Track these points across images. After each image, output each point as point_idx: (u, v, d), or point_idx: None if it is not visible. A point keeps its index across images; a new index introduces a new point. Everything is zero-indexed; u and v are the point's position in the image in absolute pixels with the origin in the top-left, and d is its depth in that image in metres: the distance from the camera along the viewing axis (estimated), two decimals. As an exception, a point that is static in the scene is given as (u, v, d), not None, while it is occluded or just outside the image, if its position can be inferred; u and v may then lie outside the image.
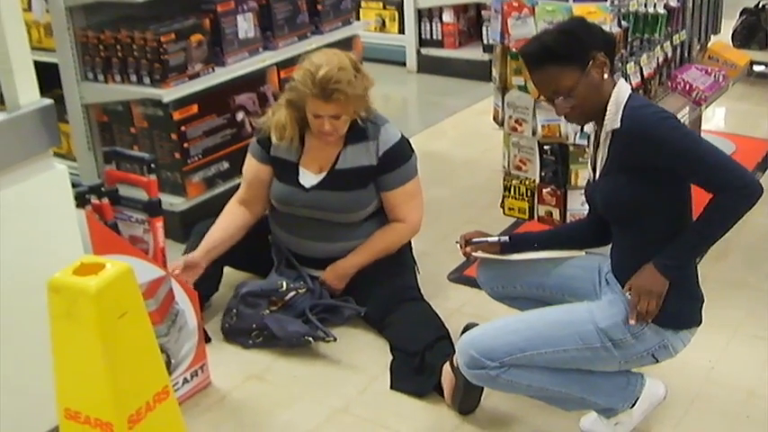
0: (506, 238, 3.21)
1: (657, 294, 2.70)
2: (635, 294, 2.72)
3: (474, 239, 3.19)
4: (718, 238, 2.71)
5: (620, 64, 3.94)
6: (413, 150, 3.78)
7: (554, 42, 2.76)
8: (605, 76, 2.76)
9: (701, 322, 2.86)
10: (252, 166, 3.82)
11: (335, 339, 3.49)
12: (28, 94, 2.66)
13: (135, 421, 2.18)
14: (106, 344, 2.09)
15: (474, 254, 3.19)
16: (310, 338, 3.50)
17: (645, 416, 3.00)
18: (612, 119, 2.73)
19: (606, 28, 3.60)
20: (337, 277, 3.72)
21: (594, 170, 2.91)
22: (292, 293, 3.60)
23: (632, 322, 2.72)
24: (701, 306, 2.86)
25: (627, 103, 2.72)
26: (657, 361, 2.85)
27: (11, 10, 2.58)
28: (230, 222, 3.79)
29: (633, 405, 2.95)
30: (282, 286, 3.61)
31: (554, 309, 2.94)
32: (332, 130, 3.54)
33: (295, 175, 3.71)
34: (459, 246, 3.22)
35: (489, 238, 3.19)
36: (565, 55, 2.73)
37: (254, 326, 3.57)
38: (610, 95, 2.75)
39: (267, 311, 3.57)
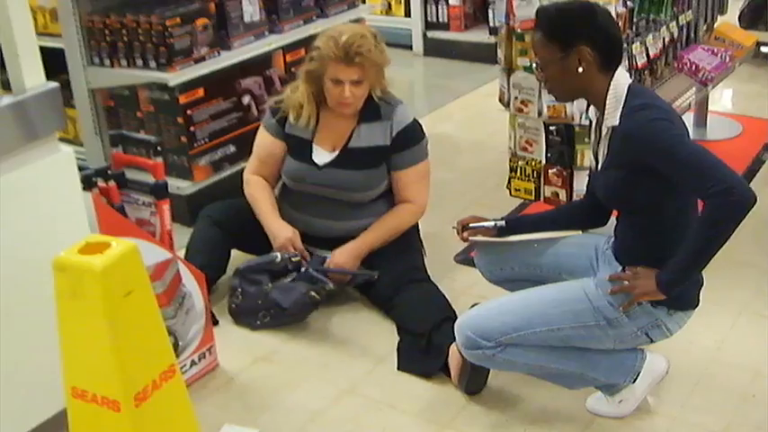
0: (502, 222, 3.22)
1: (650, 297, 2.73)
2: (630, 288, 2.74)
3: (471, 224, 3.21)
4: (715, 250, 2.59)
5: (625, 44, 3.93)
6: (424, 133, 3.79)
7: (551, 14, 2.82)
8: (581, 69, 2.75)
9: (697, 305, 2.87)
10: (266, 141, 3.83)
11: (334, 288, 3.53)
12: (33, 78, 2.67)
13: (141, 399, 2.19)
14: (112, 322, 2.10)
15: (471, 238, 3.22)
16: (313, 293, 3.50)
17: (649, 391, 3.02)
18: (612, 114, 2.74)
19: (612, 8, 3.60)
20: (349, 258, 3.71)
21: (597, 159, 2.91)
22: (287, 263, 3.60)
23: (612, 291, 2.76)
24: (699, 289, 2.87)
25: (626, 99, 2.72)
26: (652, 341, 2.86)
27: (16, -7, 2.59)
28: (269, 190, 3.87)
29: (635, 380, 2.97)
30: (277, 257, 3.61)
31: (549, 287, 2.95)
32: (351, 98, 3.57)
33: (308, 153, 3.72)
34: (456, 231, 3.26)
35: (485, 223, 3.21)
36: (551, 30, 2.79)
37: (259, 302, 3.59)
38: (606, 89, 2.76)
39: (270, 286, 3.57)
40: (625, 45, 3.92)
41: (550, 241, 3.13)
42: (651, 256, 2.75)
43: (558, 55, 2.76)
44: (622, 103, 2.72)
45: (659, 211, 2.75)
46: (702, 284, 2.87)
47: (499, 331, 2.82)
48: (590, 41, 2.73)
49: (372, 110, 3.69)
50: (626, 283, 2.75)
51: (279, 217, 3.80)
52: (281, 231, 3.73)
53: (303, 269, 3.59)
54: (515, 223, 3.24)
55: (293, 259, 3.60)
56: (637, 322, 2.79)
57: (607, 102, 2.76)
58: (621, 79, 2.77)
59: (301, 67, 3.74)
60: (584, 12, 2.80)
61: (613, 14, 3.60)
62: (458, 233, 3.25)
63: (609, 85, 2.76)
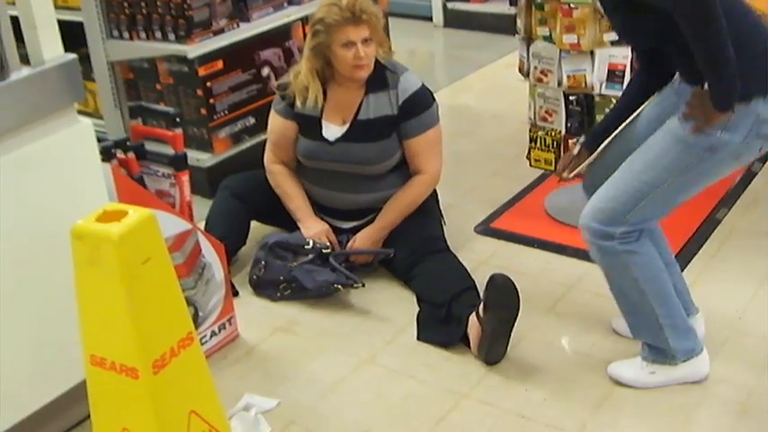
0: (582, 139, 3.19)
1: (717, 119, 2.60)
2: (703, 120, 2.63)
3: (564, 170, 3.20)
4: (718, 43, 2.48)
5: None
6: (434, 99, 3.77)
7: None
8: None
9: None
10: (277, 123, 3.83)
11: (364, 285, 3.52)
12: (52, 50, 2.66)
13: (160, 366, 2.20)
14: (130, 290, 2.10)
15: (573, 174, 3.20)
16: (339, 286, 3.53)
17: (675, 383, 3.00)
18: None
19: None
20: (371, 242, 3.74)
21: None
22: (317, 252, 3.62)
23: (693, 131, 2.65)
24: None
25: None
26: None
27: (32, -35, 2.58)
28: (295, 182, 3.87)
29: (684, 361, 2.97)
30: (309, 243, 3.62)
31: (639, 152, 2.83)
32: (366, 57, 3.57)
33: (319, 130, 3.72)
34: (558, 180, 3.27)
35: (573, 152, 3.19)
36: None
37: (281, 278, 3.60)
38: None
39: (294, 264, 3.59)
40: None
41: (636, 121, 3.04)
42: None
43: None
44: None
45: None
46: None
47: (623, 210, 2.77)
48: None
49: (379, 79, 3.68)
50: (697, 120, 2.64)
51: (312, 213, 3.83)
52: (315, 226, 3.76)
53: (330, 259, 3.61)
54: (596, 136, 3.17)
55: (324, 251, 3.62)
56: (739, 131, 2.63)
57: None
58: None
59: (305, 44, 3.73)
60: None
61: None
62: (559, 181, 3.27)
63: None
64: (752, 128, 2.63)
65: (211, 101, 4.48)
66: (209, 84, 4.45)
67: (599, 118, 3.83)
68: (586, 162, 3.17)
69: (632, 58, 3.21)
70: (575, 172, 3.19)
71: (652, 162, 2.75)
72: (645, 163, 2.76)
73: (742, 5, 2.70)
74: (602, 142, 3.12)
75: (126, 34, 4.51)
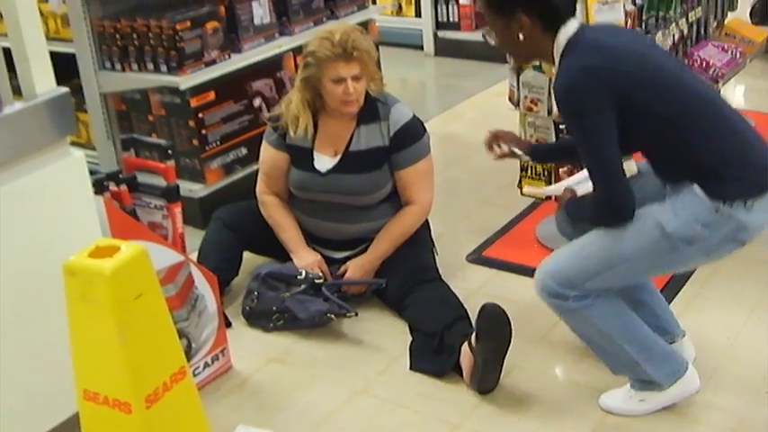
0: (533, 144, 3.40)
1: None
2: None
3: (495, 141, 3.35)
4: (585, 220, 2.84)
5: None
6: (425, 129, 3.79)
7: None
8: (521, 36, 2.75)
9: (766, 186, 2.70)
10: (269, 154, 3.84)
11: (357, 314, 3.52)
12: (44, 83, 2.68)
13: (152, 401, 2.20)
14: (122, 325, 2.11)
15: (506, 146, 3.34)
16: (332, 316, 3.53)
17: (670, 403, 3.00)
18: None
19: (620, 6, 3.60)
20: (363, 272, 3.74)
21: None
22: (310, 283, 3.61)
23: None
24: (763, 171, 2.71)
25: (562, 54, 2.71)
26: (744, 243, 2.75)
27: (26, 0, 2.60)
28: (288, 213, 3.87)
29: (671, 385, 2.97)
30: (302, 274, 3.63)
31: None
32: (355, 93, 3.57)
33: (310, 161, 3.73)
34: (488, 145, 3.39)
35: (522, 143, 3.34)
36: (490, 4, 2.81)
37: (274, 308, 3.60)
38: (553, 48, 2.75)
39: (287, 294, 3.59)
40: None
41: None
42: (684, 170, 2.71)
43: (499, 23, 2.79)
44: (558, 60, 2.73)
45: (655, 141, 2.73)
46: (765, 167, 2.71)
47: (583, 278, 2.79)
48: (526, 7, 2.72)
49: (370, 110, 3.70)
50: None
51: (304, 243, 3.82)
52: (307, 257, 3.77)
53: (322, 289, 3.61)
54: (540, 151, 3.36)
55: (316, 281, 3.62)
56: (720, 231, 2.68)
57: (554, 59, 2.76)
58: (563, 34, 2.73)
59: (296, 76, 3.75)
60: None
61: (622, 13, 3.65)
62: (489, 146, 3.37)
63: (552, 43, 2.75)
64: (730, 232, 2.69)
65: (203, 132, 4.49)
66: (201, 115, 4.47)
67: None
68: (515, 151, 3.30)
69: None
70: (499, 152, 3.34)
71: (625, 238, 2.75)
72: (618, 237, 2.77)
73: (730, 111, 2.77)
74: (543, 159, 3.38)
75: (118, 66, 4.53)
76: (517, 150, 3.31)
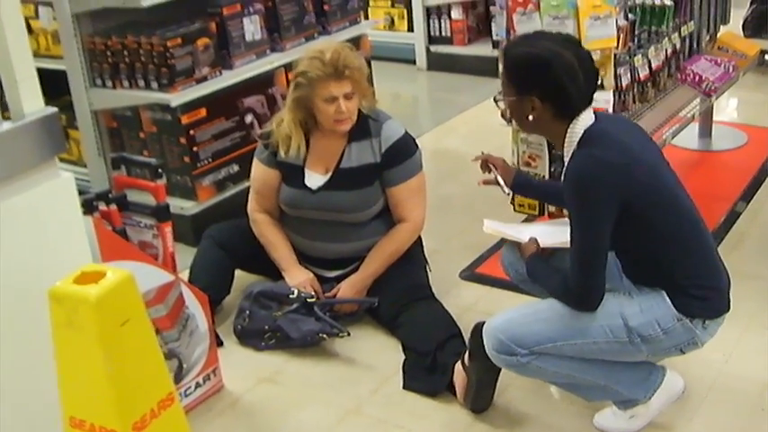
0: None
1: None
2: None
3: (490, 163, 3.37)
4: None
5: (627, 57, 3.92)
6: (417, 146, 3.78)
7: (511, 58, 2.84)
8: (531, 117, 2.79)
9: (728, 309, 2.86)
10: (260, 171, 3.82)
11: (349, 334, 3.50)
12: (32, 103, 2.65)
13: (140, 428, 2.17)
14: (108, 352, 2.08)
15: (490, 172, 3.37)
16: (324, 335, 3.51)
17: (662, 409, 2.99)
18: (567, 159, 2.78)
19: (612, 21, 3.59)
20: (355, 292, 3.72)
21: None
22: (302, 301, 3.59)
23: None
24: (728, 292, 2.86)
25: (579, 143, 2.74)
26: (683, 353, 2.85)
27: (13, 19, 2.57)
28: (279, 231, 3.85)
29: (651, 397, 2.95)
30: (294, 293, 3.61)
31: None
32: (348, 112, 3.56)
33: (301, 178, 3.71)
34: (480, 164, 3.41)
35: (500, 180, 3.35)
36: (508, 73, 2.84)
37: (266, 327, 3.58)
38: (564, 134, 2.77)
39: (279, 313, 3.57)
40: (627, 58, 3.91)
41: None
42: (656, 280, 2.79)
43: (513, 96, 2.82)
44: (573, 148, 2.75)
45: (638, 248, 2.80)
46: (730, 286, 2.86)
47: (535, 341, 2.80)
48: (541, 93, 2.74)
49: (362, 127, 3.68)
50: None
51: (296, 261, 3.80)
52: (299, 275, 3.74)
53: (314, 308, 3.59)
54: (521, 184, 3.38)
55: (308, 300, 3.59)
56: (674, 339, 2.77)
57: (564, 147, 2.79)
58: (581, 123, 2.76)
59: (287, 96, 3.73)
60: (540, 63, 2.74)
61: (614, 28, 3.63)
62: (482, 168, 3.40)
63: (567, 130, 2.77)
64: (682, 342, 2.80)
65: (195, 149, 4.48)
66: (192, 132, 4.45)
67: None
68: (499, 181, 3.33)
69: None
70: (485, 178, 3.41)
71: (585, 318, 2.79)
72: (578, 315, 2.79)
73: (706, 229, 2.86)
74: (524, 194, 3.48)
75: (109, 83, 4.51)
76: (500, 180, 3.32)
